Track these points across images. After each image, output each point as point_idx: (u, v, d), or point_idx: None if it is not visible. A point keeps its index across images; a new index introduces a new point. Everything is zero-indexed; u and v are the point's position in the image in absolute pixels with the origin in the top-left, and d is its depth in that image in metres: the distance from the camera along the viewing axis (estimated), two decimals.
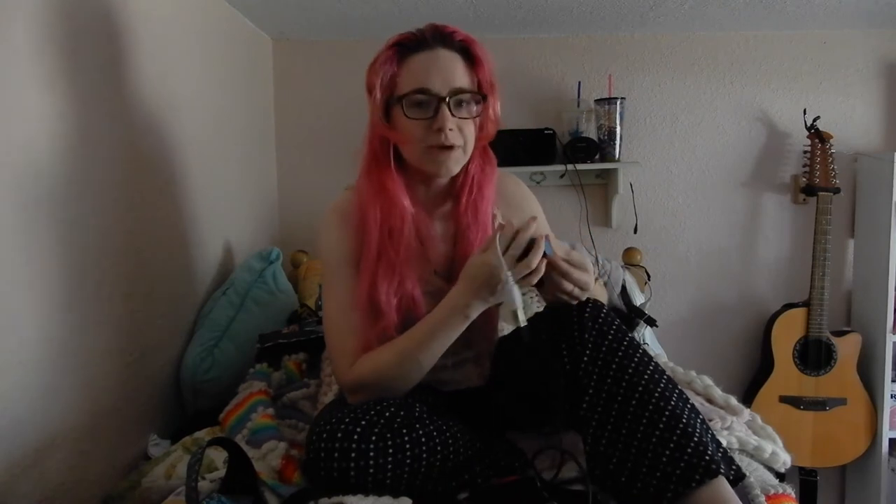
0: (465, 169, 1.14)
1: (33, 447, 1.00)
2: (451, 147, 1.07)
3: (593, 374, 0.97)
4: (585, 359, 0.98)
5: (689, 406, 0.95)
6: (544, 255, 0.97)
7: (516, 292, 0.95)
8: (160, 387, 1.45)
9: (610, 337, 0.99)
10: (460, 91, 1.06)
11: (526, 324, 0.97)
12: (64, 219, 1.08)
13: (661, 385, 0.95)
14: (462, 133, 1.08)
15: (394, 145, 1.12)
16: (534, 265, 0.97)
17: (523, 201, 1.26)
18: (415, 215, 1.12)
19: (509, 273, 0.95)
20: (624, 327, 1.02)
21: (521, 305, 0.96)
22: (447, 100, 1.05)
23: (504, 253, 0.96)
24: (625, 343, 0.99)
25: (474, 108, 1.09)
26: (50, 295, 1.05)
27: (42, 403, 1.03)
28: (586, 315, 1.00)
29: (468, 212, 1.15)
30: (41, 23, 1.04)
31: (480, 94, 1.09)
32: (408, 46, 1.07)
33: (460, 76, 1.07)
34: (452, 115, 1.05)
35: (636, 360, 0.97)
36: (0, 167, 0.95)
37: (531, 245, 0.97)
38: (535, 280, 0.98)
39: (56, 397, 1.06)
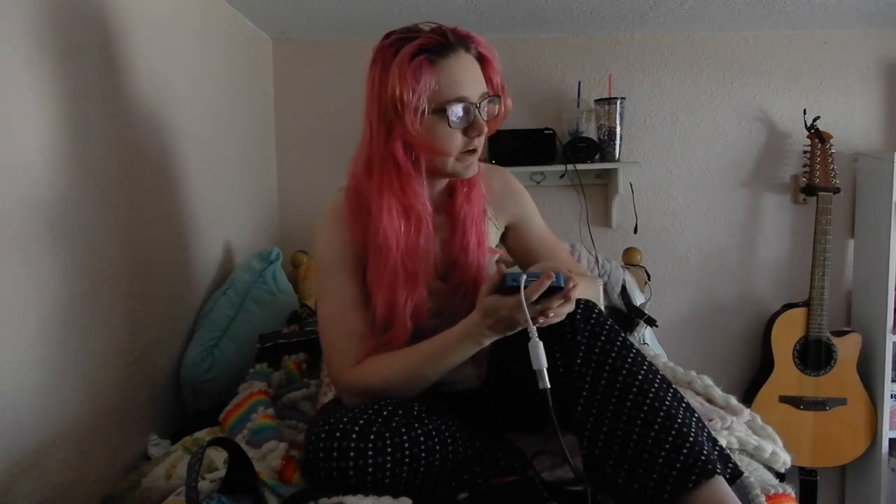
0: None
1: (33, 447, 1.00)
2: (475, 149, 1.09)
3: (587, 377, 0.97)
4: (578, 361, 0.98)
5: (684, 405, 0.95)
6: (560, 288, 0.92)
7: (542, 354, 0.90)
8: (160, 387, 1.45)
9: (603, 338, 0.99)
10: (486, 96, 1.07)
11: (548, 386, 0.90)
12: (63, 219, 1.08)
13: (656, 385, 0.95)
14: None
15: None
16: (563, 314, 0.95)
17: (512, 195, 1.26)
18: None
19: (536, 335, 0.90)
20: (617, 327, 1.02)
21: (546, 366, 0.90)
22: (479, 105, 1.05)
23: (529, 302, 0.90)
24: (618, 343, 0.98)
25: (490, 110, 1.10)
26: (50, 295, 1.05)
27: (42, 403, 1.03)
28: (578, 316, 1.00)
29: (464, 203, 1.16)
30: (38, 23, 1.04)
31: (498, 97, 1.10)
32: (434, 51, 1.02)
33: (483, 80, 1.08)
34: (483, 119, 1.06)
35: (630, 360, 0.97)
36: None
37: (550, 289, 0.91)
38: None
39: (56, 397, 1.06)
